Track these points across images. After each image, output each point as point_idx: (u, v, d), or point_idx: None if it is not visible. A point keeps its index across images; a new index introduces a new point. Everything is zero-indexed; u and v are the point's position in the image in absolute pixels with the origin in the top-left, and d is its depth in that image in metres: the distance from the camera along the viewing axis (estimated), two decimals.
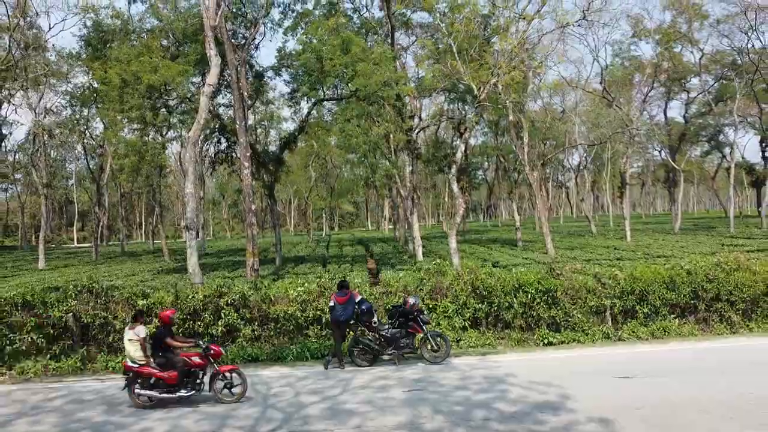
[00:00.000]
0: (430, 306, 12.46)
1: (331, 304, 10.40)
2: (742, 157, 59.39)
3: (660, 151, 70.37)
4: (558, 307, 12.58)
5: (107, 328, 11.64)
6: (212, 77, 15.80)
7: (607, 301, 12.80)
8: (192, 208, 15.17)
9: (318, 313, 11.87)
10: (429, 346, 10.44)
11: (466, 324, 12.38)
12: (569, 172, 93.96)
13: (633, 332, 12.41)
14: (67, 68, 37.73)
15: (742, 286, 12.92)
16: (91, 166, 45.91)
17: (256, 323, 11.94)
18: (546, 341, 12.13)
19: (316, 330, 11.92)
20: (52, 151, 76.74)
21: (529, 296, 12.47)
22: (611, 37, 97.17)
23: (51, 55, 38.07)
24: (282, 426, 7.39)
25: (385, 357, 10.49)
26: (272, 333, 11.93)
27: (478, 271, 13.07)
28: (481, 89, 17.22)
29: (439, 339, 10.50)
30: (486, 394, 8.38)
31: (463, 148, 20.70)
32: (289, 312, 11.84)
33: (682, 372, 9.31)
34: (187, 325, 11.70)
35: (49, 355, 11.35)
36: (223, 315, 11.71)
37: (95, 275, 26.21)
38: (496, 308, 12.42)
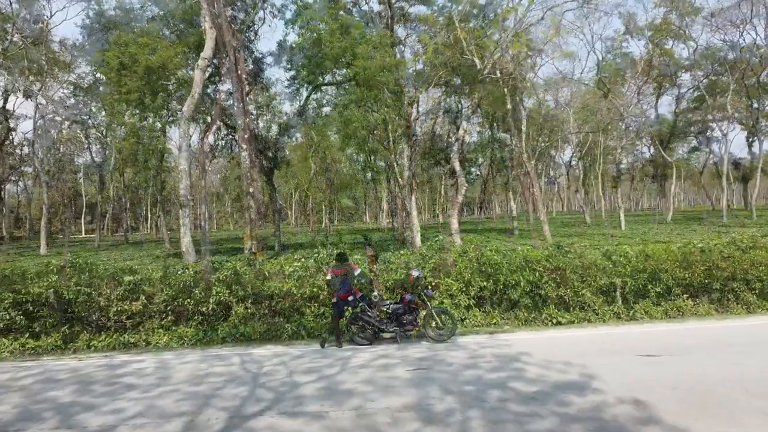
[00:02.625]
0: (433, 284, 11.29)
1: (328, 277, 9.18)
2: (728, 153, 58.40)
3: (649, 147, 69.35)
4: (567, 286, 11.42)
5: (91, 305, 10.42)
6: (207, 50, 14.56)
7: (617, 279, 11.65)
8: (186, 185, 13.93)
9: (315, 289, 10.67)
10: (434, 324, 9.24)
11: (471, 303, 11.22)
12: (560, 167, 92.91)
13: (646, 312, 11.25)
14: (71, 58, 36.37)
15: (759, 264, 11.79)
16: (94, 156, 44.42)
17: (250, 301, 10.73)
18: (554, 321, 10.96)
19: (313, 308, 10.72)
20: (61, 147, 75.27)
21: (537, 274, 11.31)
22: (605, 33, 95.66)
23: (54, 45, 36.64)
24: (272, 407, 6.19)
25: (386, 335, 9.30)
26: (266, 311, 10.72)
27: (482, 248, 11.91)
28: (485, 62, 16.03)
29: (444, 316, 9.30)
30: (499, 372, 7.19)
31: (465, 125, 19.49)
32: (285, 289, 10.65)
33: (708, 350, 8.12)
34: (176, 302, 10.50)
35: (28, 333, 10.14)
36: (214, 292, 10.51)
37: (93, 260, 25.05)
38: (502, 286, 11.25)
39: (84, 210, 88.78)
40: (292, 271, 10.86)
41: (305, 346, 9.37)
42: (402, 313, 9.18)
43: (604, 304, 11.52)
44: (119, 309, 10.41)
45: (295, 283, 10.68)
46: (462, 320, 10.76)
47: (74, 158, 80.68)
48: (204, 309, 10.49)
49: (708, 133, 56.60)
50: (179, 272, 10.63)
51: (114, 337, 10.14)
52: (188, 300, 10.48)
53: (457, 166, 17.63)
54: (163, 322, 10.54)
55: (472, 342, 9.10)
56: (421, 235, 29.23)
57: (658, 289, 11.68)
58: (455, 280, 11.32)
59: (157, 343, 10.02)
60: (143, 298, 10.56)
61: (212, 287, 10.52)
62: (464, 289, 11.23)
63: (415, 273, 9.21)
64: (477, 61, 16.42)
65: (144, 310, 10.53)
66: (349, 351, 8.80)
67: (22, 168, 64.53)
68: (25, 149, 62.21)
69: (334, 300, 9.11)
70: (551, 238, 27.39)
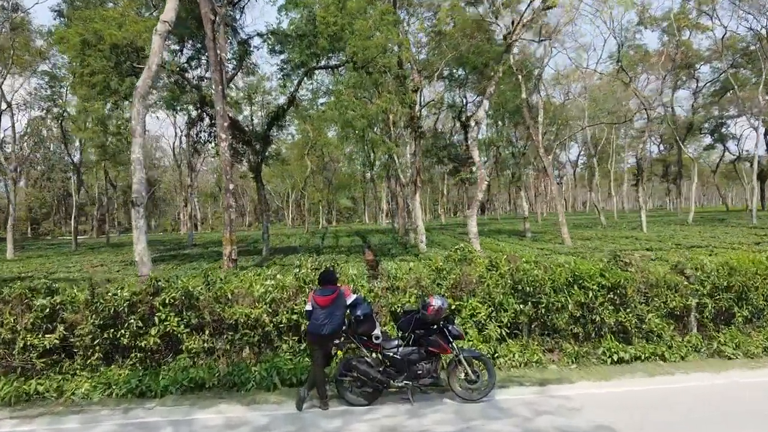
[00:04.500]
0: (452, 307, 8.47)
1: (309, 307, 6.33)
2: (743, 151, 55.83)
3: (658, 145, 66.71)
4: (628, 310, 8.63)
5: None
6: (168, 12, 11.77)
7: (693, 300, 8.86)
8: (139, 178, 11.12)
9: (295, 317, 7.85)
10: (463, 375, 6.37)
11: (504, 333, 8.40)
12: (564, 167, 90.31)
13: (737, 346, 8.44)
14: (45, 46, 33.61)
15: None
16: (70, 152, 41.46)
17: (207, 332, 7.91)
18: (615, 357, 8.16)
19: (291, 342, 7.90)
20: (51, 145, 72.30)
21: (590, 294, 8.50)
22: (623, 21, 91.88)
23: (31, 32, 33.87)
24: None
25: (393, 390, 6.47)
26: (228, 346, 7.90)
27: (518, 260, 9.08)
28: (514, 23, 13.31)
29: (477, 363, 6.46)
30: None
31: (486, 104, 16.72)
32: (253, 316, 7.82)
33: None
34: (105, 335, 7.67)
35: None
36: (158, 320, 7.68)
37: (58, 265, 22.25)
38: (544, 311, 8.44)
39: (74, 211, 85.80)
40: (263, 292, 8.02)
41: (275, 405, 6.52)
42: (416, 360, 6.32)
43: (676, 332, 8.75)
44: (28, 343, 7.60)
45: (267, 308, 7.86)
46: (494, 357, 7.95)
47: (63, 156, 77.89)
48: (143, 343, 7.67)
49: (724, 130, 54.05)
50: (109, 294, 7.78)
51: (14, 385, 7.30)
52: (122, 332, 7.67)
53: (475, 155, 14.92)
54: (88, 362, 7.74)
55: (518, 401, 6.26)
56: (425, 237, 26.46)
57: (746, 313, 8.90)
58: (482, 302, 8.51)
59: (73, 393, 7.19)
60: (61, 328, 7.74)
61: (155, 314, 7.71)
62: (494, 314, 8.43)
63: (437, 302, 6.33)
64: (501, 25, 13.74)
65: (62, 346, 7.73)
66: (338, 418, 5.94)
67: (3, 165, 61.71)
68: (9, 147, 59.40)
69: (316, 339, 6.26)
70: (570, 242, 24.64)
